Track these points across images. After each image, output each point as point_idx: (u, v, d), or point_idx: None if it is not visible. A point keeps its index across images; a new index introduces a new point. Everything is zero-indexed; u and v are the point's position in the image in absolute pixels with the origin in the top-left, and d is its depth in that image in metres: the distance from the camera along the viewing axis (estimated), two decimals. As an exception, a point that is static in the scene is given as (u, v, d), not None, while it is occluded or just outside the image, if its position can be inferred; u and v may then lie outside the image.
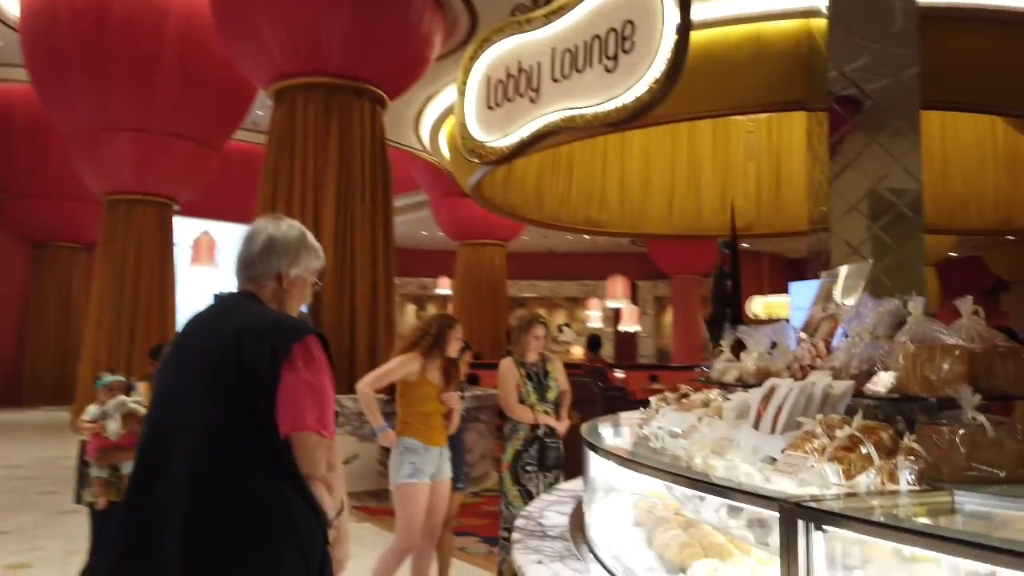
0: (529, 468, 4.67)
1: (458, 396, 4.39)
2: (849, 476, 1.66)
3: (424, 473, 4.16)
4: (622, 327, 19.92)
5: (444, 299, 21.03)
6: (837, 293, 2.65)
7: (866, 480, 1.66)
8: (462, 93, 6.62)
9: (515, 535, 2.78)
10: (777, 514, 1.51)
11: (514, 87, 6.09)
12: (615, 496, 3.41)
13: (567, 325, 23.61)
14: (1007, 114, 8.92)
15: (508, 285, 17.45)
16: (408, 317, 21.66)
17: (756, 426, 2.20)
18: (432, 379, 4.26)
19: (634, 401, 7.30)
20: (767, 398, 2.21)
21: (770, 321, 3.65)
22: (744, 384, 2.99)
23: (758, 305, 19.80)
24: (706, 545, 2.42)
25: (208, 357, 1.91)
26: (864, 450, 1.68)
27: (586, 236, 17.70)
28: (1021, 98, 8.41)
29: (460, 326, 4.42)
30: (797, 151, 14.99)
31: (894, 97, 7.24)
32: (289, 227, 2.18)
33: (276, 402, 1.87)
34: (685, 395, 3.40)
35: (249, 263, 2.12)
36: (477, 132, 6.43)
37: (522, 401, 4.73)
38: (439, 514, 4.38)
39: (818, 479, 1.70)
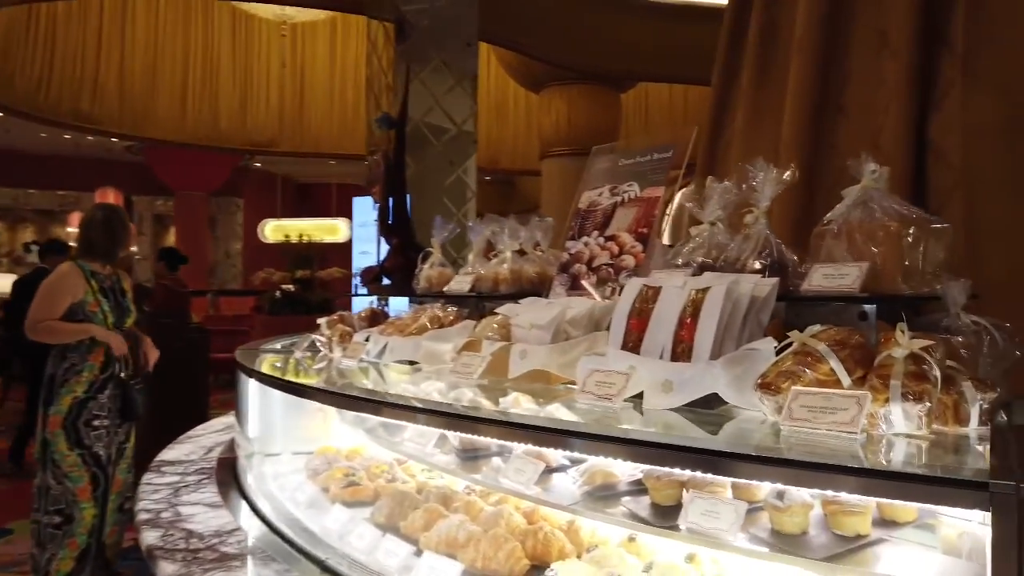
0: (97, 423, 3.15)
1: None
2: (955, 420, 1.07)
3: None
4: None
5: None
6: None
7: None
8: None
9: (168, 567, 1.56)
10: (987, 512, 0.81)
11: None
12: (271, 459, 2.35)
13: (35, 243, 19.18)
14: (536, 56, 9.68)
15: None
16: None
17: (631, 349, 1.47)
18: None
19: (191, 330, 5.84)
20: (643, 307, 1.49)
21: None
22: (483, 294, 2.22)
23: (270, 228, 18.97)
24: (515, 533, 1.62)
25: None
26: (932, 377, 1.09)
27: (67, 136, 14.35)
28: (551, 43, 9.21)
29: None
30: (321, 69, 14.41)
31: (456, 15, 7.22)
32: None
33: None
34: (378, 315, 2.48)
35: None
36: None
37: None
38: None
39: (854, 429, 1.07)
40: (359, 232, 8.00)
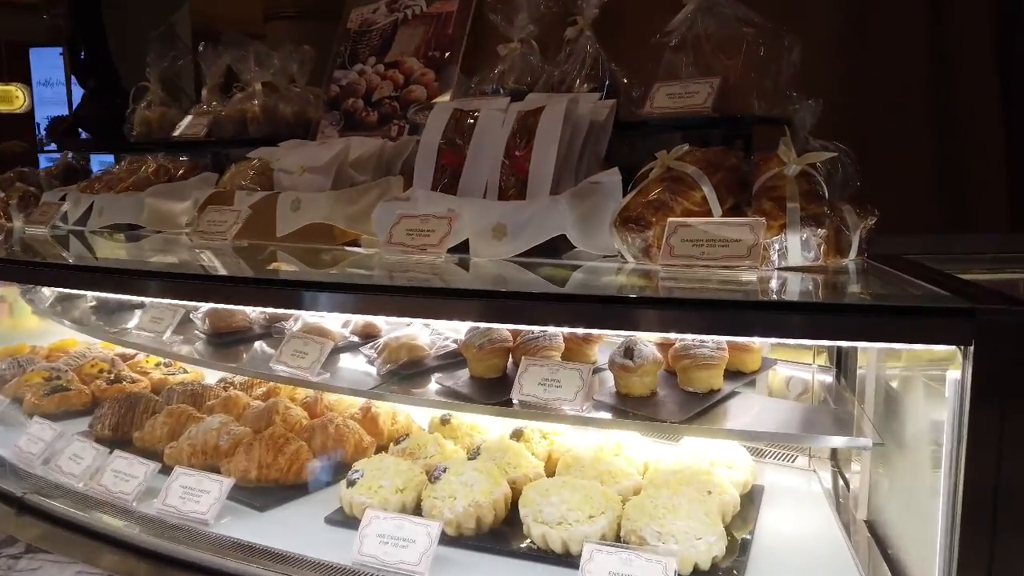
0: None
1: None
2: (835, 251, 0.90)
3: None
4: None
5: None
6: None
7: (807, 252, 0.93)
8: None
9: None
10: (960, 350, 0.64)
11: None
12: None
13: None
14: None
15: None
16: None
17: (445, 189, 1.16)
18: None
19: None
20: (457, 138, 1.17)
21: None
22: (226, 139, 1.74)
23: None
24: (298, 430, 1.28)
25: None
26: (823, 197, 0.92)
27: None
28: None
29: None
30: None
31: None
32: None
33: None
34: (74, 170, 1.88)
35: None
36: None
37: None
38: None
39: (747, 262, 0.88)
40: (42, 93, 6.55)
